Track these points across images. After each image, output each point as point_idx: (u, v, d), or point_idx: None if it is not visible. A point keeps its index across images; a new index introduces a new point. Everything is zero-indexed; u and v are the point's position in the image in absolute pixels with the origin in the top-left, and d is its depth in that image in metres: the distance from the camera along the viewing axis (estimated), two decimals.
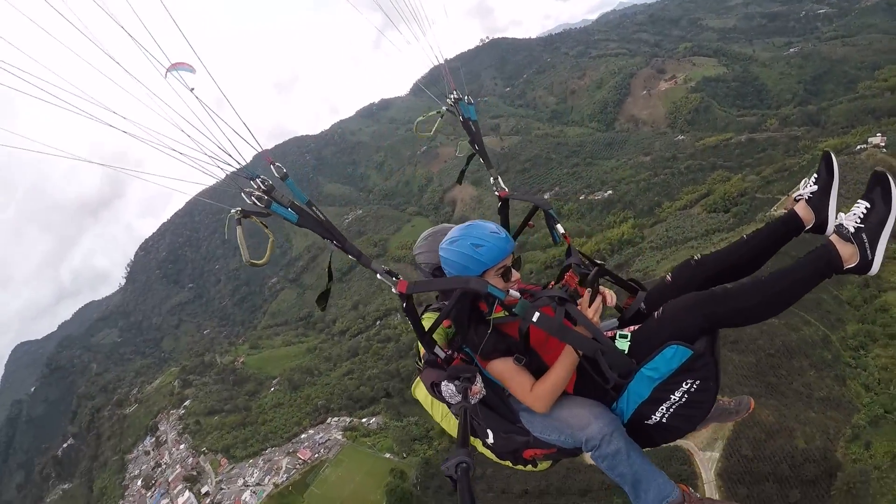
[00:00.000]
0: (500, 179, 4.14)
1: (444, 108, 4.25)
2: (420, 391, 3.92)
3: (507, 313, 3.12)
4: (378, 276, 3.11)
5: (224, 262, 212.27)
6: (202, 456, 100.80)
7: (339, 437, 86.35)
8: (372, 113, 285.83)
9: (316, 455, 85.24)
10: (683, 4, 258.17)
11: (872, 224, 2.87)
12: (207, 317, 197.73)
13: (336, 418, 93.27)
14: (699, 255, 3.39)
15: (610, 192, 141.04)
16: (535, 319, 2.94)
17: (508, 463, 3.49)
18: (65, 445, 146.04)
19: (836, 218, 3.05)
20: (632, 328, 3.17)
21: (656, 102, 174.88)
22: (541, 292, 3.34)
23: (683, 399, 3.00)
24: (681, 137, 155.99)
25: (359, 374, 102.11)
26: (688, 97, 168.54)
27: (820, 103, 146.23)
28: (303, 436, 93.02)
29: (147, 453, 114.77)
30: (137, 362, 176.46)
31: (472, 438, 3.37)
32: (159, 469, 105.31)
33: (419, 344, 3.48)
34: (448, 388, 2.89)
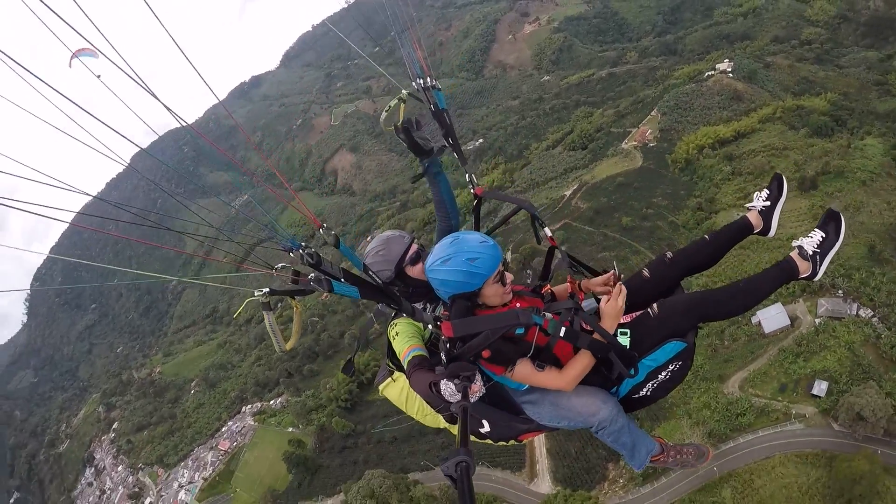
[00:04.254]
0: (474, 177, 4.21)
1: (404, 91, 4.01)
2: (391, 390, 4.08)
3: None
4: (429, 326, 3.35)
5: (121, 275, 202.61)
6: (140, 472, 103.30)
7: (251, 422, 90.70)
8: (244, 92, 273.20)
9: (234, 443, 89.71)
10: None
11: (825, 249, 3.85)
12: (117, 334, 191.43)
13: (249, 406, 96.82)
14: (671, 254, 4.00)
15: (481, 140, 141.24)
16: (562, 335, 3.34)
17: (502, 443, 3.88)
18: (11, 501, 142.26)
19: (799, 241, 3.91)
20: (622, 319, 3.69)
21: (522, 46, 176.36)
22: (556, 304, 3.63)
23: (668, 376, 3.68)
24: (546, 78, 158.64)
25: (266, 360, 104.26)
26: (551, 38, 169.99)
27: (677, 32, 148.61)
28: (223, 429, 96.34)
29: (90, 484, 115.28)
30: (59, 398, 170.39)
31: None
32: (104, 496, 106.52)
33: (392, 348, 3.74)
34: (448, 386, 2.85)
